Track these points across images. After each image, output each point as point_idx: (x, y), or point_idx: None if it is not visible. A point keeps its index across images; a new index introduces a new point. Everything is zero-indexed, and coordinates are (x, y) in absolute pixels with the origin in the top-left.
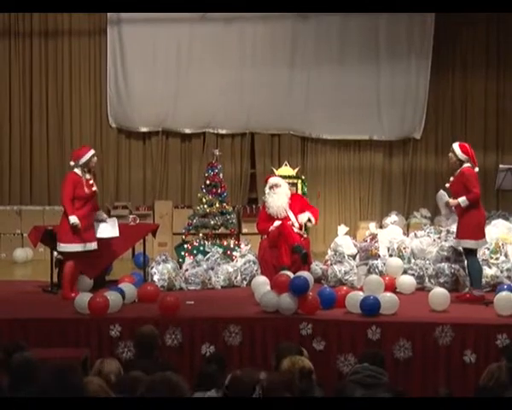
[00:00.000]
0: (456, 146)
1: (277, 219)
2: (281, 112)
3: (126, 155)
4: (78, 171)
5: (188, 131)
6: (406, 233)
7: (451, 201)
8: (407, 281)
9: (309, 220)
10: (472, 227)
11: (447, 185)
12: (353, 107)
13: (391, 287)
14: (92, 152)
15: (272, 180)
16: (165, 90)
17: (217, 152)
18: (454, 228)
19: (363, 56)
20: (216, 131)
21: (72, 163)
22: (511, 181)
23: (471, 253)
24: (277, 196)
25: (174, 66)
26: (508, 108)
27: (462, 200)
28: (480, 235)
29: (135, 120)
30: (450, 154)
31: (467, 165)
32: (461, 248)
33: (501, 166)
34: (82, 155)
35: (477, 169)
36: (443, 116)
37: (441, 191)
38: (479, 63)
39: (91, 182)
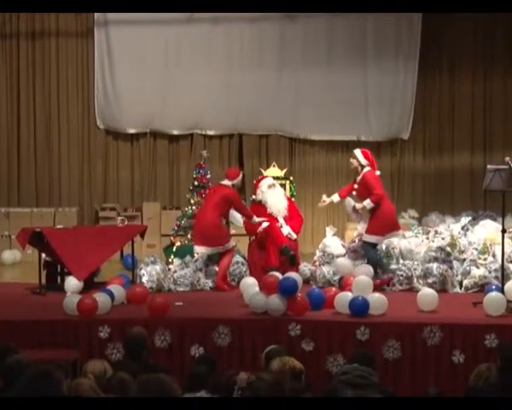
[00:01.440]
0: (357, 152)
1: (266, 220)
2: (269, 113)
3: (114, 157)
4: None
5: (176, 132)
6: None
7: (357, 205)
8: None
9: (289, 234)
10: (377, 223)
11: (354, 193)
12: (341, 107)
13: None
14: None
15: (269, 180)
16: (152, 92)
17: (205, 153)
18: (442, 229)
19: (350, 57)
20: (204, 133)
21: (228, 181)
22: (499, 182)
23: (371, 247)
24: (278, 196)
25: (162, 67)
26: (494, 108)
27: (367, 202)
28: (384, 231)
29: (122, 121)
30: (352, 160)
31: (367, 169)
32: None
33: (488, 166)
34: (237, 176)
35: (378, 172)
36: (430, 117)
37: (348, 198)
38: (466, 64)
39: None
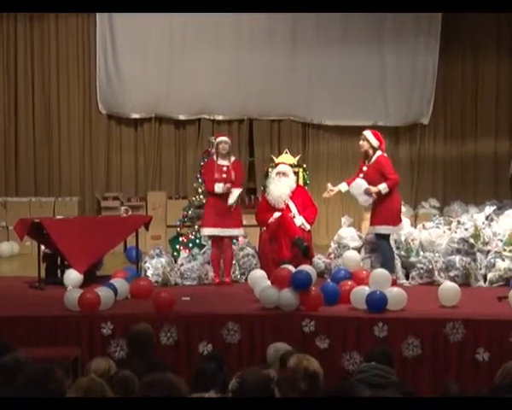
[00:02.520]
0: (368, 133)
1: (277, 210)
2: (280, 97)
3: (117, 143)
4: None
5: (182, 117)
6: (414, 224)
7: (372, 188)
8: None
9: (302, 225)
10: (388, 213)
11: (361, 175)
12: (357, 90)
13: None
14: (222, 138)
15: (282, 168)
16: (157, 75)
17: (213, 139)
18: (466, 220)
19: (367, 36)
20: (212, 118)
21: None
22: None
23: (384, 238)
24: (280, 185)
25: (167, 49)
26: None
27: (383, 187)
28: (396, 221)
29: (126, 105)
30: (363, 142)
31: (379, 152)
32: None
33: None
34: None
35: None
36: (452, 100)
37: (359, 179)
38: (490, 43)
39: (225, 169)
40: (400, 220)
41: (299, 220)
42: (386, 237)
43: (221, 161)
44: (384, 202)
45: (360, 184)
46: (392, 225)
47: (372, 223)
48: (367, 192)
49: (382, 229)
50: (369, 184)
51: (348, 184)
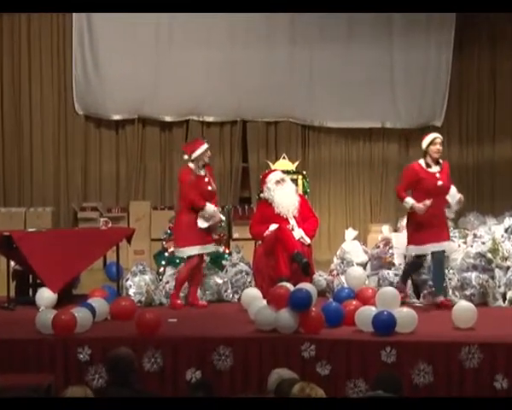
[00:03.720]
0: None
1: (274, 221)
2: (278, 96)
3: (96, 148)
4: (191, 166)
5: (168, 118)
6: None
7: (462, 197)
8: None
9: (302, 238)
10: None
11: (440, 183)
12: (363, 89)
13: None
14: (206, 146)
15: (277, 175)
16: (142, 72)
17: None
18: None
19: (374, 30)
20: (201, 119)
21: (185, 157)
22: None
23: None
24: (287, 192)
25: (153, 43)
26: None
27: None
28: None
29: (106, 106)
30: (441, 147)
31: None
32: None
33: None
34: (195, 149)
35: None
36: (468, 100)
37: (454, 188)
38: (509, 37)
39: (206, 180)
40: None
41: (298, 233)
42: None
43: (201, 172)
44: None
45: (454, 192)
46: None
47: (443, 238)
48: (460, 202)
49: (448, 245)
50: (447, 192)
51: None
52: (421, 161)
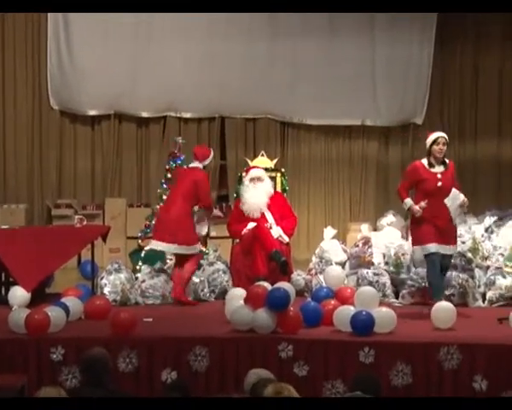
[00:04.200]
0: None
1: (252, 220)
2: (257, 92)
3: (71, 143)
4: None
5: (145, 114)
6: (405, 237)
7: (466, 200)
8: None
9: (280, 237)
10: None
11: (440, 184)
12: (343, 86)
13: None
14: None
15: (255, 172)
16: (118, 66)
17: (180, 140)
18: (462, 231)
19: (356, 25)
20: (179, 115)
21: (198, 164)
22: None
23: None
24: (257, 192)
25: (130, 37)
26: None
27: (466, 199)
28: None
29: (82, 101)
30: (445, 146)
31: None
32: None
33: None
34: (208, 156)
35: None
36: (449, 97)
37: (455, 190)
38: (494, 31)
39: None
40: None
41: (276, 232)
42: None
43: None
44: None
45: (456, 194)
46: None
47: (452, 241)
48: (462, 205)
49: (455, 250)
50: (448, 193)
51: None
52: (424, 161)
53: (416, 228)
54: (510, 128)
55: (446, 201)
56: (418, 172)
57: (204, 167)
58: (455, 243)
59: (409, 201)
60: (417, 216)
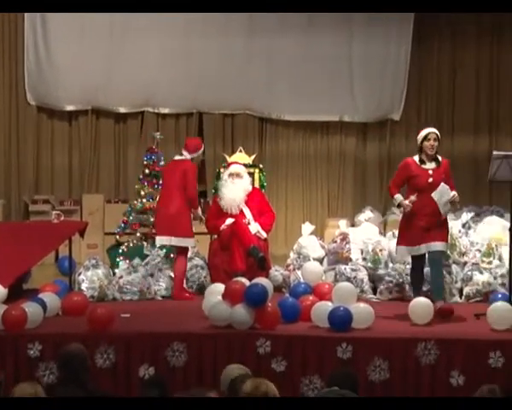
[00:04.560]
0: (438, 133)
1: (230, 215)
2: (235, 87)
3: (48, 139)
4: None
5: (123, 110)
6: (383, 232)
7: (456, 195)
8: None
9: (258, 232)
10: (447, 227)
11: (431, 180)
12: (321, 82)
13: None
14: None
15: (234, 168)
16: (95, 61)
17: (157, 135)
18: None
19: (333, 21)
20: (157, 111)
21: (187, 154)
22: (507, 171)
23: (442, 257)
24: (235, 188)
25: (107, 32)
26: (503, 84)
27: (456, 195)
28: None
29: (59, 96)
30: (435, 142)
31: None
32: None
33: (495, 152)
34: (199, 148)
35: None
36: (426, 93)
37: (444, 184)
38: (470, 28)
39: None
40: None
41: (254, 227)
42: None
43: None
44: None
45: (445, 190)
46: (447, 243)
47: (433, 238)
48: (451, 200)
49: (444, 246)
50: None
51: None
52: (416, 157)
53: (405, 227)
54: (487, 124)
55: (433, 195)
56: (409, 169)
57: (192, 160)
58: (443, 238)
59: (398, 196)
60: (407, 211)
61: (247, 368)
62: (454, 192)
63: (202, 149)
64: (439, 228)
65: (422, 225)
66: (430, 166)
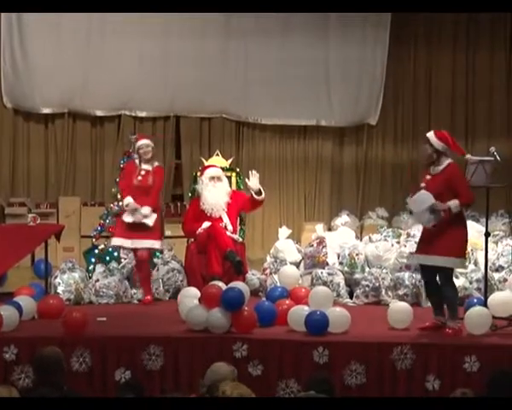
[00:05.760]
0: (431, 135)
1: (208, 219)
2: (212, 91)
3: (24, 142)
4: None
5: (100, 113)
6: (359, 237)
7: (439, 204)
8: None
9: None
10: (454, 241)
11: (423, 185)
12: (298, 86)
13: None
14: (144, 142)
15: (213, 171)
16: (72, 64)
17: (133, 139)
18: (416, 231)
19: (310, 25)
20: (134, 114)
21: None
22: (482, 176)
23: (450, 275)
24: (217, 191)
25: (84, 35)
26: (479, 89)
27: (455, 205)
28: (462, 252)
29: (35, 99)
30: (425, 144)
31: (449, 160)
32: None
33: (470, 157)
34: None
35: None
36: (403, 98)
37: (424, 192)
38: (446, 33)
39: (143, 173)
40: (465, 252)
41: (231, 232)
42: (450, 272)
43: (144, 166)
44: (451, 224)
45: (425, 197)
46: (456, 257)
47: (428, 251)
48: (433, 209)
49: (446, 261)
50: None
51: None
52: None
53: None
54: (463, 128)
55: (409, 202)
56: (422, 172)
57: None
58: (443, 252)
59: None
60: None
61: (233, 367)
62: (433, 201)
63: (141, 142)
64: (445, 239)
65: (426, 234)
66: (433, 171)
